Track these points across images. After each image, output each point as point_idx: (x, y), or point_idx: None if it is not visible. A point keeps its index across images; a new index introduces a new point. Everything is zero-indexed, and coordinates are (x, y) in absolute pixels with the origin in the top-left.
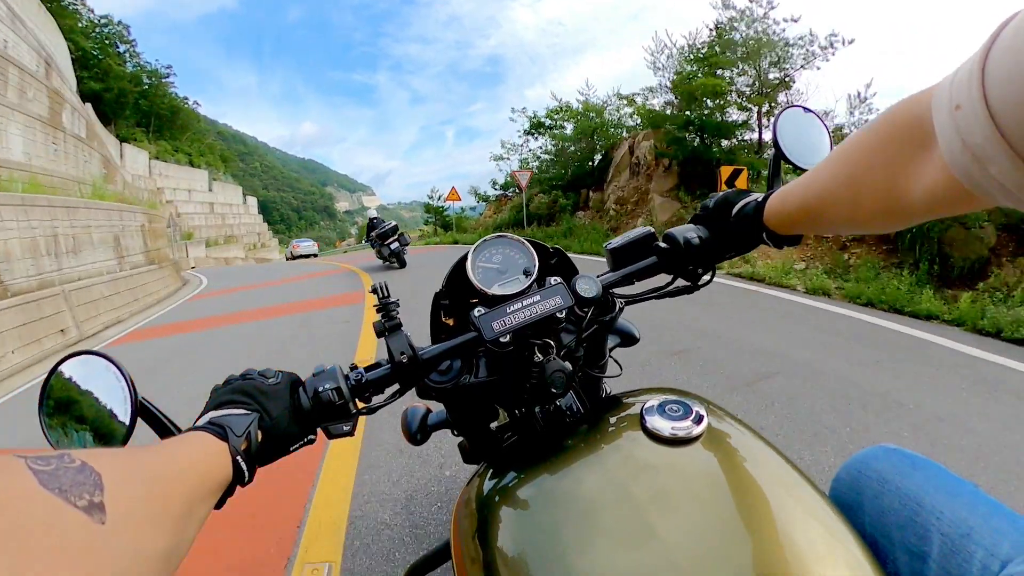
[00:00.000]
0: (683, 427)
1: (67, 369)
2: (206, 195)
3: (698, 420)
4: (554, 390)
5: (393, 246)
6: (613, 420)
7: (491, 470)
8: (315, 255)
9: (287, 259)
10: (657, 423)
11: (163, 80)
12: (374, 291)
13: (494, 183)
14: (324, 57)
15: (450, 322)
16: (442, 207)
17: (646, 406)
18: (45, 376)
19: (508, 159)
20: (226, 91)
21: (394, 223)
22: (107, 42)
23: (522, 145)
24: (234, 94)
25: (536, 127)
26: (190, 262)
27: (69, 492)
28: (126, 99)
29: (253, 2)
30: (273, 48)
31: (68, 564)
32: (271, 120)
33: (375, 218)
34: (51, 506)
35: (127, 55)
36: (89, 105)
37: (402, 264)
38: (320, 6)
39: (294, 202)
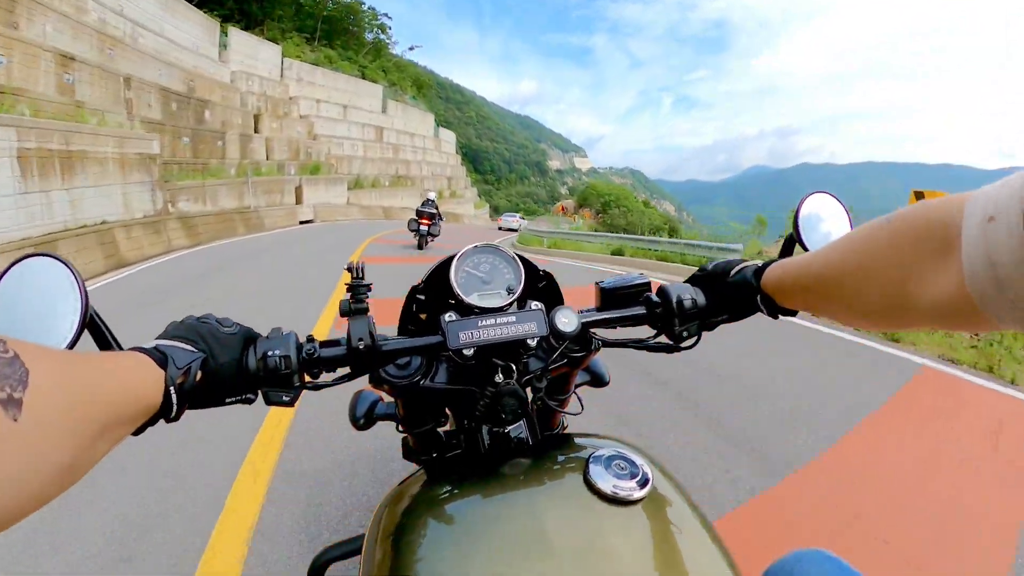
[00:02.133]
0: (625, 487)
1: (22, 268)
2: (374, 116)
3: (643, 483)
4: (504, 416)
5: (423, 228)
6: (558, 461)
7: (425, 478)
8: (517, 229)
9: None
10: (600, 477)
11: None
12: (349, 269)
13: None
14: (541, 18)
15: (423, 316)
16: None
17: (594, 455)
18: (1, 271)
19: None
20: (448, 50)
21: (436, 212)
22: None
23: None
24: (456, 52)
25: None
26: (302, 212)
27: None
28: None
29: None
30: (493, 9)
31: None
32: (490, 78)
33: (429, 199)
34: None
35: None
36: None
37: (420, 246)
38: None
39: (506, 154)
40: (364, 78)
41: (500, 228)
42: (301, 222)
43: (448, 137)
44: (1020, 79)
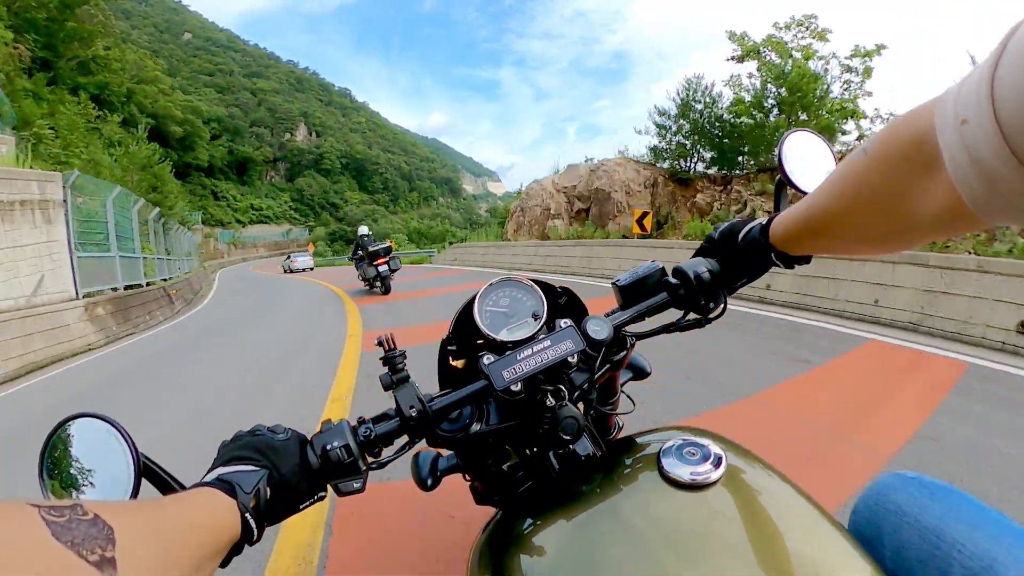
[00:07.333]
0: (702, 471)
1: (67, 431)
2: None
3: (717, 463)
4: (566, 436)
5: (381, 268)
6: (629, 464)
7: (506, 517)
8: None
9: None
10: (675, 468)
11: None
12: (379, 343)
13: None
14: (449, 53)
15: (460, 364)
16: None
17: (663, 448)
18: (46, 437)
19: None
20: (356, 81)
21: (388, 244)
22: None
23: None
24: (365, 84)
25: None
26: None
27: (81, 546)
28: None
29: None
30: (401, 42)
31: None
32: (399, 111)
33: (365, 235)
34: (64, 560)
35: None
36: None
37: (386, 290)
38: (446, 3)
39: (405, 167)
40: None
41: (286, 272)
42: None
43: None
44: None
